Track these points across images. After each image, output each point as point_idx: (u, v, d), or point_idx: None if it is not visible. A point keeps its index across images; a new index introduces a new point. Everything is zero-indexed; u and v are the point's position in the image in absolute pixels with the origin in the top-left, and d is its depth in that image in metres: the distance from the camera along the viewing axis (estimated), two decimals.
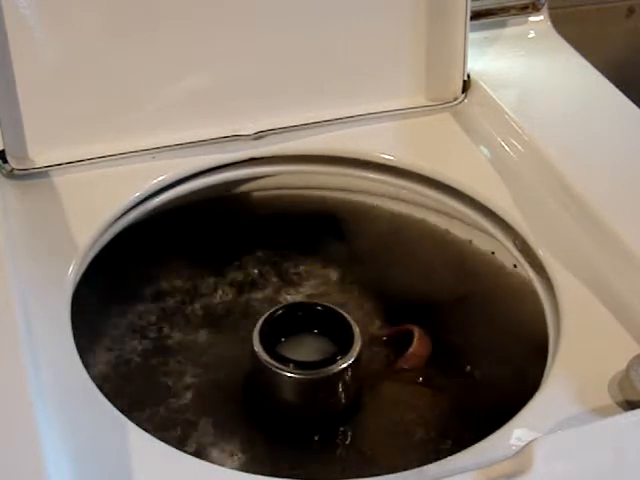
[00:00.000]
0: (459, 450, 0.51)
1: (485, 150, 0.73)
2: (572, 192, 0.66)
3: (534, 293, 0.65)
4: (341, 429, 0.65)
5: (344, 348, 0.65)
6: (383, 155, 0.74)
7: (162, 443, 0.51)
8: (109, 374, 0.66)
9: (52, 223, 0.65)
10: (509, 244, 0.69)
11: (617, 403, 0.53)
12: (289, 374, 0.63)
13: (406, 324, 0.70)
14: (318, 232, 0.79)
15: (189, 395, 0.66)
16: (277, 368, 0.63)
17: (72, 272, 0.61)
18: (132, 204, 0.68)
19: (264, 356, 0.64)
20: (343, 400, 0.66)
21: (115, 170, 0.70)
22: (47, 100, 0.69)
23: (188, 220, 0.76)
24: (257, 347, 0.64)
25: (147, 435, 0.51)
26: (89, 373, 0.55)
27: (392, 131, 0.75)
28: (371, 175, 0.76)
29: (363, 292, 0.75)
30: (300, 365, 0.64)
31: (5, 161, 0.68)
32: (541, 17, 0.84)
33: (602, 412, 0.52)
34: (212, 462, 0.51)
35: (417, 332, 0.68)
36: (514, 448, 0.49)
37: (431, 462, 0.50)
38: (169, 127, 0.71)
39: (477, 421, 0.63)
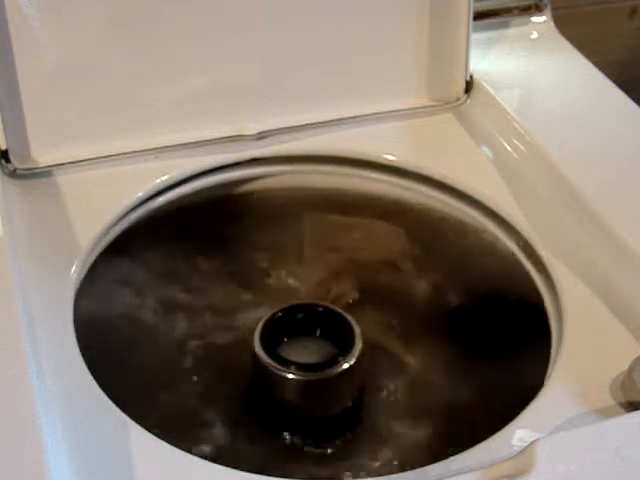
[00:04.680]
0: (461, 450, 0.51)
1: (487, 150, 0.73)
2: (575, 193, 0.66)
3: (536, 293, 0.65)
4: (343, 430, 0.65)
5: (345, 349, 0.65)
6: (385, 155, 0.74)
7: (164, 442, 0.51)
8: (110, 374, 0.66)
9: (55, 223, 0.65)
10: (512, 244, 0.69)
11: (619, 404, 0.53)
12: (290, 376, 0.63)
13: None
14: (320, 232, 0.79)
15: (191, 397, 0.66)
16: (278, 370, 0.63)
17: (74, 272, 0.61)
18: (135, 204, 0.68)
19: (265, 358, 0.64)
20: (345, 401, 0.66)
21: (118, 170, 0.70)
22: (50, 100, 0.69)
23: (190, 220, 0.76)
24: (258, 349, 0.64)
25: (149, 434, 0.51)
26: (91, 372, 0.55)
27: (394, 131, 0.76)
28: (373, 175, 0.76)
29: (367, 289, 0.75)
30: (301, 367, 0.64)
31: (8, 161, 0.68)
32: (544, 18, 0.84)
33: (604, 413, 0.52)
34: (213, 463, 0.51)
35: None
36: (516, 448, 0.49)
37: (433, 462, 0.50)
38: (172, 127, 0.72)
39: (479, 421, 0.63)
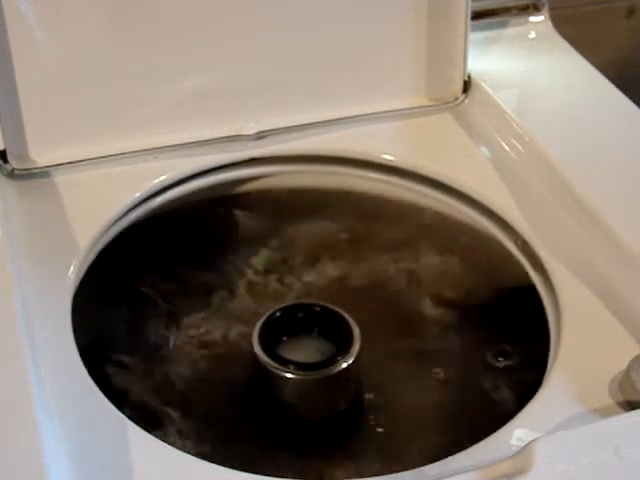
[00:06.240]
0: (459, 450, 0.51)
1: (486, 150, 0.73)
2: (573, 192, 0.66)
3: (535, 293, 0.65)
4: (341, 429, 0.65)
5: (344, 348, 0.65)
6: (384, 155, 0.74)
7: (163, 443, 0.51)
8: (109, 374, 0.66)
9: (53, 223, 0.65)
10: (510, 244, 0.69)
11: (617, 403, 0.53)
12: (289, 375, 0.63)
13: None
14: (318, 232, 0.79)
15: (189, 397, 0.66)
16: (277, 369, 0.63)
17: (73, 272, 0.61)
18: (133, 204, 0.68)
19: (264, 357, 0.64)
20: (343, 401, 0.66)
21: (116, 170, 0.70)
22: (48, 100, 0.69)
23: (189, 220, 0.76)
24: (257, 348, 0.64)
25: (148, 435, 0.51)
26: (89, 372, 0.55)
27: (393, 131, 0.76)
28: (372, 175, 0.76)
29: (366, 290, 0.75)
30: (300, 366, 0.64)
31: (6, 161, 0.68)
32: (542, 17, 0.84)
33: (602, 412, 0.53)
34: (212, 463, 0.51)
35: None
36: (514, 448, 0.48)
37: (431, 462, 0.50)
38: (170, 127, 0.72)
39: (478, 421, 0.63)
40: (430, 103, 0.77)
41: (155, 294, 0.74)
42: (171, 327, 0.72)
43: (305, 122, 0.74)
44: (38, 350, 0.54)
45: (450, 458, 0.50)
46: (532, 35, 0.84)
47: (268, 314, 0.67)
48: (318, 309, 0.69)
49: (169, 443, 0.52)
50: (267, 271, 0.77)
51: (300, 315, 0.68)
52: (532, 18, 0.84)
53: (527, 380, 0.62)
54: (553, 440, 0.48)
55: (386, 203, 0.79)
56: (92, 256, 0.65)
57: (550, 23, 0.84)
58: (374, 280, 0.76)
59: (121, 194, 0.68)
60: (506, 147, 0.72)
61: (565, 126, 0.73)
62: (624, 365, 0.54)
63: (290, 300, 0.73)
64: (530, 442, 0.47)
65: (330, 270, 0.77)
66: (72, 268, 0.62)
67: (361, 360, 0.65)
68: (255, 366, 0.65)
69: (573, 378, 0.55)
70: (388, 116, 0.76)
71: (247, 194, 0.78)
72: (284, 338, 0.67)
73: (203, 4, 0.69)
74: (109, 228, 0.67)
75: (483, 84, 0.76)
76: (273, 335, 0.66)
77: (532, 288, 0.65)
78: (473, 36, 0.76)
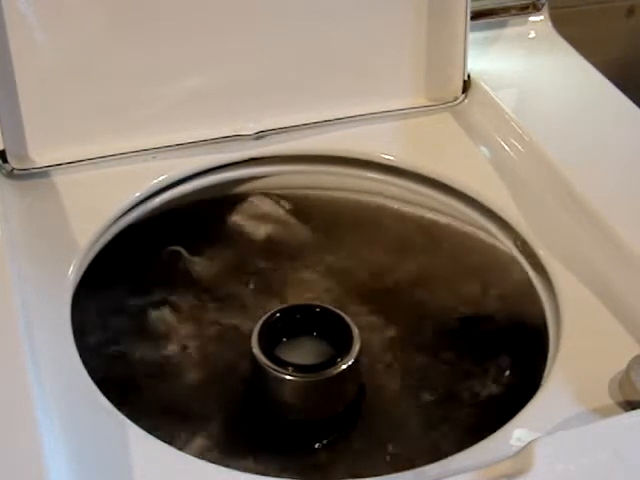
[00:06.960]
0: (459, 450, 0.51)
1: (485, 150, 0.73)
2: (572, 192, 0.66)
3: (534, 293, 0.65)
4: (341, 431, 0.65)
5: (343, 350, 0.65)
6: (383, 155, 0.74)
7: (162, 443, 0.51)
8: (108, 374, 0.66)
9: (52, 223, 0.65)
10: (510, 244, 0.69)
11: (617, 403, 0.53)
12: (288, 377, 0.63)
13: None
14: (318, 233, 0.79)
15: (188, 398, 0.66)
16: (276, 371, 0.63)
17: (72, 272, 0.61)
18: (133, 204, 0.68)
19: (263, 359, 0.64)
20: (343, 402, 0.66)
21: (116, 170, 0.70)
22: (48, 100, 0.69)
23: (188, 220, 0.76)
24: (256, 350, 0.64)
25: (147, 435, 0.51)
26: (89, 372, 0.55)
27: (392, 131, 0.76)
28: (371, 175, 0.76)
29: (365, 290, 0.75)
30: (299, 368, 0.63)
31: (5, 161, 0.68)
32: (541, 17, 0.84)
33: (602, 412, 0.53)
34: (211, 463, 0.51)
35: None
36: (514, 448, 0.49)
37: (431, 462, 0.50)
38: (170, 127, 0.72)
39: (478, 421, 0.63)
40: (430, 103, 0.77)
41: (154, 293, 0.74)
42: (171, 325, 0.72)
43: (305, 122, 0.74)
44: (38, 350, 0.54)
45: (450, 458, 0.50)
46: (532, 35, 0.84)
47: (267, 315, 0.67)
48: (318, 310, 0.68)
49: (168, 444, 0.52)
50: (267, 269, 0.77)
51: (300, 316, 0.68)
52: (532, 18, 0.84)
53: (527, 380, 0.62)
54: (553, 440, 0.48)
55: (385, 203, 0.79)
56: (92, 256, 0.65)
57: (550, 23, 0.84)
58: (373, 279, 0.76)
59: (121, 194, 0.68)
60: (506, 147, 0.72)
61: (565, 126, 0.73)
62: (624, 365, 0.54)
63: (291, 301, 0.73)
64: (530, 442, 0.47)
65: (330, 270, 0.77)
66: (72, 268, 0.62)
67: (361, 362, 0.65)
68: (254, 367, 0.65)
69: (573, 378, 0.55)
70: (388, 116, 0.76)
71: (246, 194, 0.78)
72: (283, 339, 0.67)
73: (203, 4, 0.69)
74: (109, 228, 0.67)
75: (483, 84, 0.76)
76: (272, 336, 0.66)
77: (532, 287, 0.65)
78: (473, 36, 0.76)
